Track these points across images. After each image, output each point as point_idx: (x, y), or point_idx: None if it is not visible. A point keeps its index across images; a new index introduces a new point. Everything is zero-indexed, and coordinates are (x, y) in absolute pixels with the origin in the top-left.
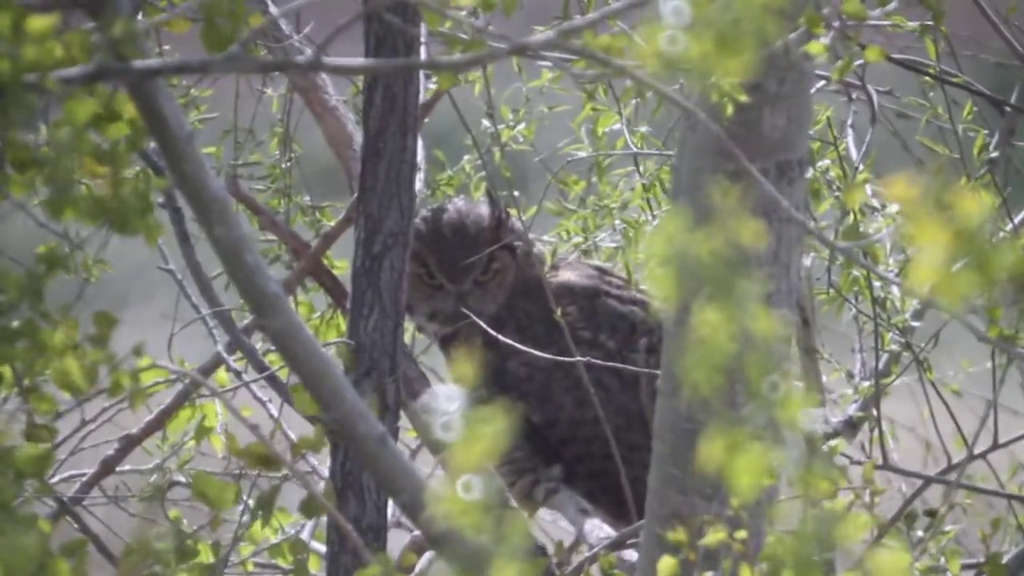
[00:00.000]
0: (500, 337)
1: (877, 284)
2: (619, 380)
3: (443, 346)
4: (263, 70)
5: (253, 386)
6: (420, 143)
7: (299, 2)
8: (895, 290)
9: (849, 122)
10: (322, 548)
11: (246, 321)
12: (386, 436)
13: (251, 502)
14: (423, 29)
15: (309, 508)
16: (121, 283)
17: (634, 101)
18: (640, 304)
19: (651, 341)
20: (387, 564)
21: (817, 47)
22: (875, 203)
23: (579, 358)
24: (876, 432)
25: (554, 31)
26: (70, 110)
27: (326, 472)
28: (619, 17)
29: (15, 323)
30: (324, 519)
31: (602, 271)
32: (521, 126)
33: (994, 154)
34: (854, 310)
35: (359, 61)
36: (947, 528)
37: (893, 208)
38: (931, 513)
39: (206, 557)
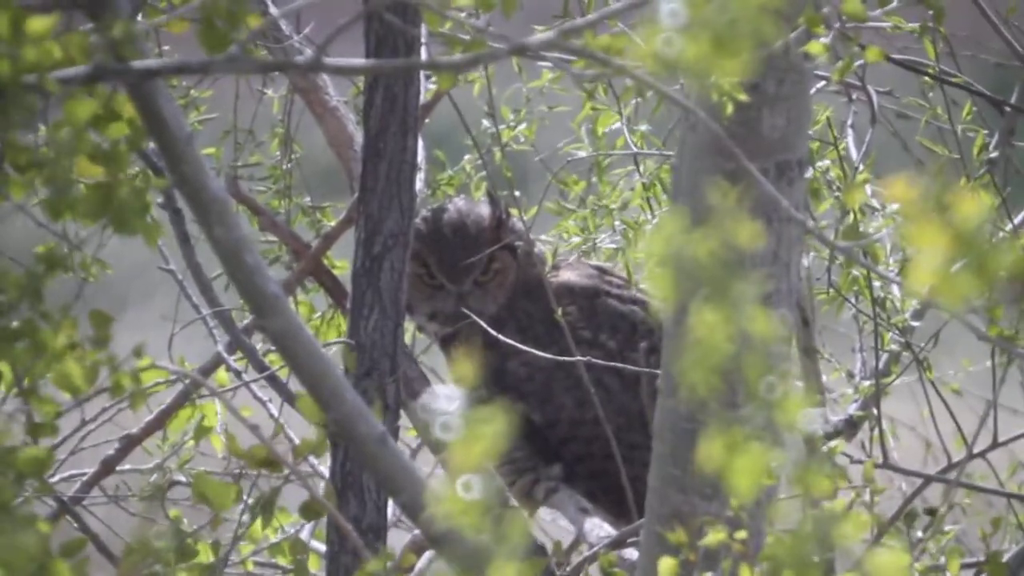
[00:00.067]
0: (500, 337)
1: (877, 284)
2: (619, 380)
3: (443, 346)
4: (263, 71)
5: (253, 386)
6: (420, 143)
7: (299, 2)
8: (895, 290)
9: (849, 122)
10: (322, 548)
11: (246, 321)
12: (386, 436)
13: (251, 502)
14: (423, 29)
15: (309, 510)
16: (121, 284)
17: (635, 101)
18: (640, 304)
19: (652, 341)
20: (389, 559)
21: (817, 47)
22: (875, 203)
23: (579, 358)
24: (876, 431)
25: (554, 31)
26: (70, 111)
27: (326, 472)
28: (619, 17)
29: (15, 323)
30: (324, 519)
31: (602, 271)
32: (522, 126)
33: (994, 154)
34: (854, 310)
35: (359, 62)
36: (947, 528)
37: (893, 208)
38: (931, 512)
39: (206, 556)
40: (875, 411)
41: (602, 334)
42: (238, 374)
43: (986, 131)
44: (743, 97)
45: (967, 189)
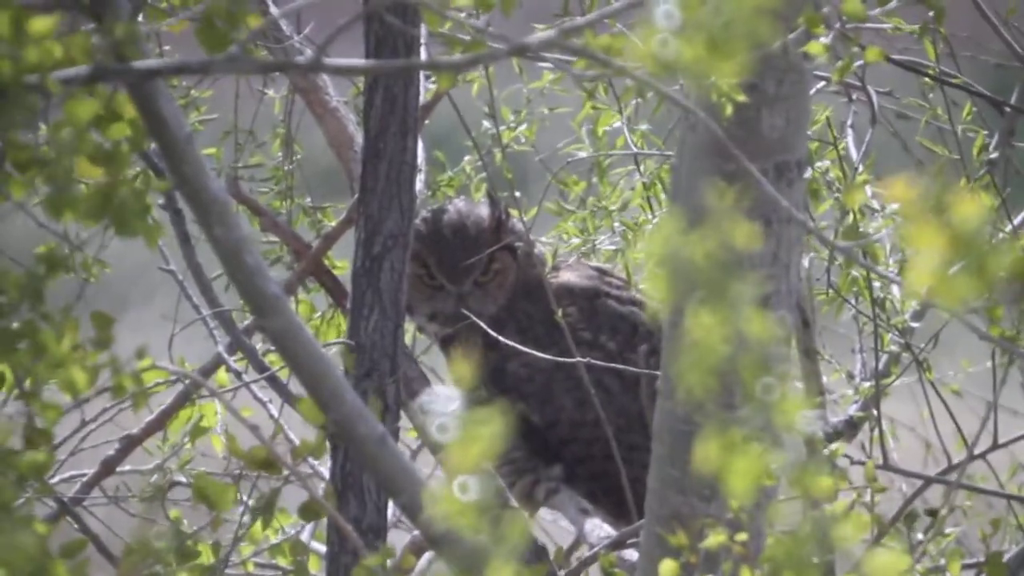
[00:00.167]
0: (500, 338)
1: (877, 284)
2: (619, 381)
3: (443, 347)
4: (263, 71)
5: (253, 387)
6: (420, 144)
7: (299, 3)
8: (895, 290)
9: (849, 123)
10: (323, 549)
11: (246, 322)
12: (386, 437)
13: (251, 503)
14: (423, 30)
15: (308, 511)
16: (122, 284)
17: (635, 101)
18: (640, 305)
19: (652, 343)
20: (388, 556)
21: (816, 48)
22: (875, 204)
23: (579, 359)
24: (876, 432)
25: (554, 31)
26: (71, 111)
27: (326, 473)
28: (618, 17)
29: (15, 324)
30: (325, 520)
31: (602, 272)
32: (522, 127)
33: (994, 155)
34: (854, 311)
35: (359, 62)
36: (948, 529)
37: (893, 208)
38: (932, 513)
39: (207, 557)
40: (875, 412)
41: (602, 335)
42: (238, 375)
43: (986, 132)
44: (742, 98)
45: (967, 190)
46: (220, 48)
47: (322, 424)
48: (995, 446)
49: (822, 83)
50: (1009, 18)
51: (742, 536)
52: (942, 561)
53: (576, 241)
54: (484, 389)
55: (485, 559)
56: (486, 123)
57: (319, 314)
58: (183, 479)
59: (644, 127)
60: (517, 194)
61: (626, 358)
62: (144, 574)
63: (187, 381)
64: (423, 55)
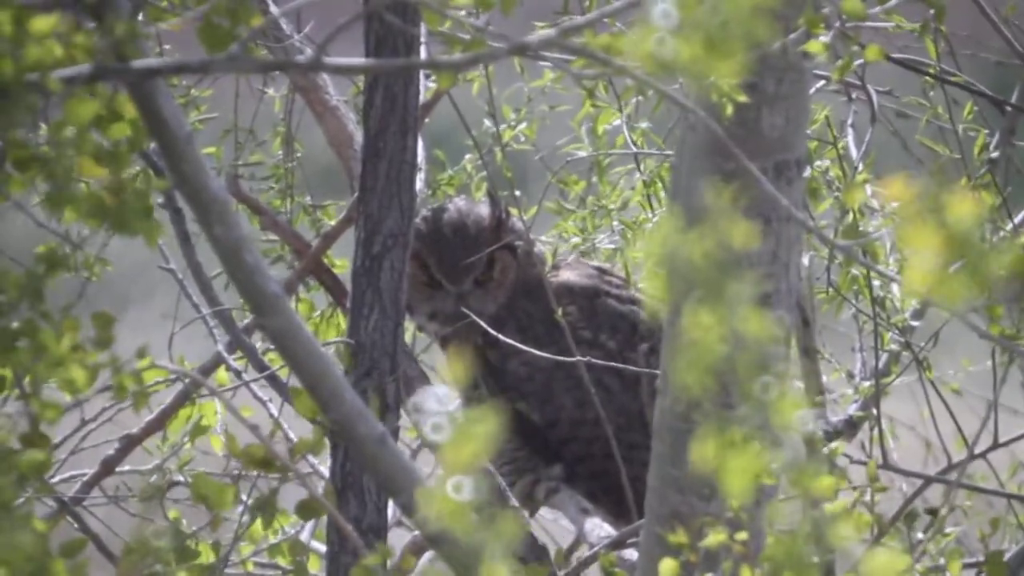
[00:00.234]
0: (500, 337)
1: (877, 283)
2: (619, 380)
3: (443, 346)
4: (263, 70)
5: (253, 386)
6: (421, 143)
7: (299, 2)
8: (895, 289)
9: (849, 121)
10: (322, 548)
11: (246, 321)
12: (386, 436)
13: (251, 502)
14: (423, 29)
15: (306, 509)
16: (122, 283)
17: (635, 99)
18: (640, 304)
19: (652, 342)
20: (387, 556)
21: (816, 47)
22: (874, 203)
23: (579, 358)
24: (876, 432)
25: (554, 30)
26: (71, 110)
27: (326, 472)
28: (618, 16)
29: (15, 324)
30: (324, 519)
31: (602, 271)
32: (522, 126)
33: (994, 154)
34: (854, 309)
35: (359, 61)
36: (948, 529)
37: (893, 207)
38: (932, 512)
39: (206, 557)
40: (875, 411)
41: (602, 334)
42: (238, 374)
43: (987, 131)
44: (742, 97)
45: (967, 189)
46: (221, 47)
47: (314, 417)
48: (995, 445)
49: (822, 82)
50: (1009, 17)
51: (742, 535)
52: (942, 560)
53: (576, 240)
54: (483, 388)
55: (480, 558)
56: (487, 122)
57: (319, 313)
58: (183, 479)
59: (644, 125)
60: (517, 193)
61: (626, 357)
62: (144, 574)
63: (187, 380)
64: (423, 54)
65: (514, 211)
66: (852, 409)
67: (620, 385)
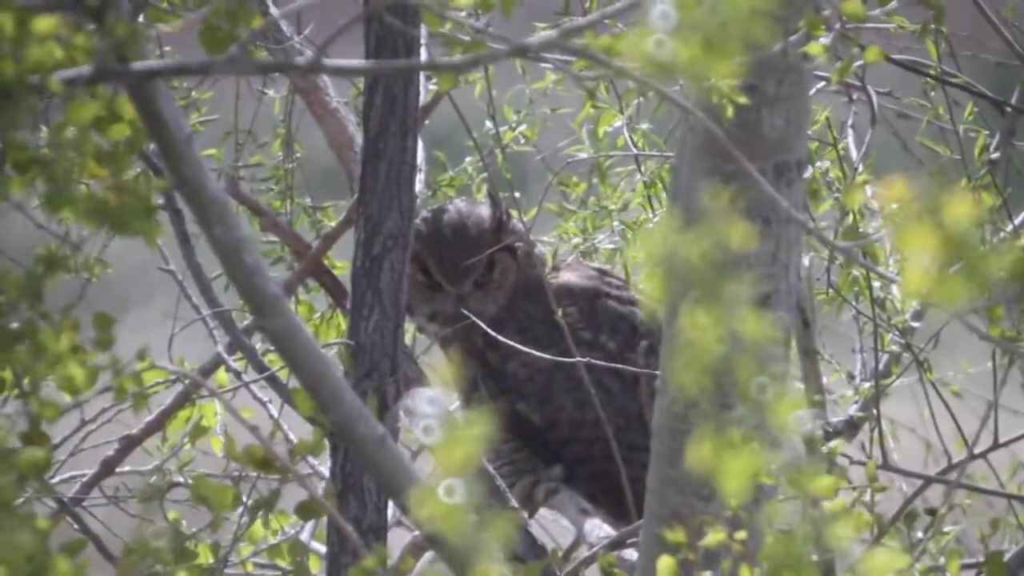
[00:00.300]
0: (500, 338)
1: (877, 284)
2: (619, 381)
3: (443, 347)
4: (263, 71)
5: (253, 387)
6: (421, 144)
7: (299, 3)
8: (895, 290)
9: (849, 122)
10: (322, 549)
11: (246, 322)
12: (386, 437)
13: (250, 503)
14: (423, 30)
15: (306, 510)
16: (122, 284)
17: (637, 100)
18: (640, 305)
19: (650, 342)
20: (385, 558)
21: (816, 48)
22: (875, 204)
23: (579, 359)
24: (876, 432)
25: (555, 32)
26: (72, 112)
27: (326, 473)
28: (619, 17)
29: (15, 324)
30: (324, 520)
31: (602, 272)
32: (523, 127)
33: (995, 155)
34: (854, 311)
35: (359, 62)
36: (947, 528)
37: (893, 208)
38: (931, 512)
39: (205, 558)
40: (875, 412)
41: (602, 335)
42: (238, 375)
43: (987, 131)
44: (742, 99)
45: (967, 190)
46: (220, 49)
47: (312, 416)
48: (995, 446)
49: (822, 83)
50: (1008, 18)
51: (741, 534)
52: (942, 560)
53: (577, 240)
54: (483, 389)
55: (474, 560)
56: (487, 123)
57: (319, 314)
58: (182, 480)
59: (645, 127)
60: (517, 195)
61: (626, 358)
62: (143, 574)
63: (187, 381)
64: (423, 56)
65: (514, 212)
66: (852, 410)
67: (620, 386)
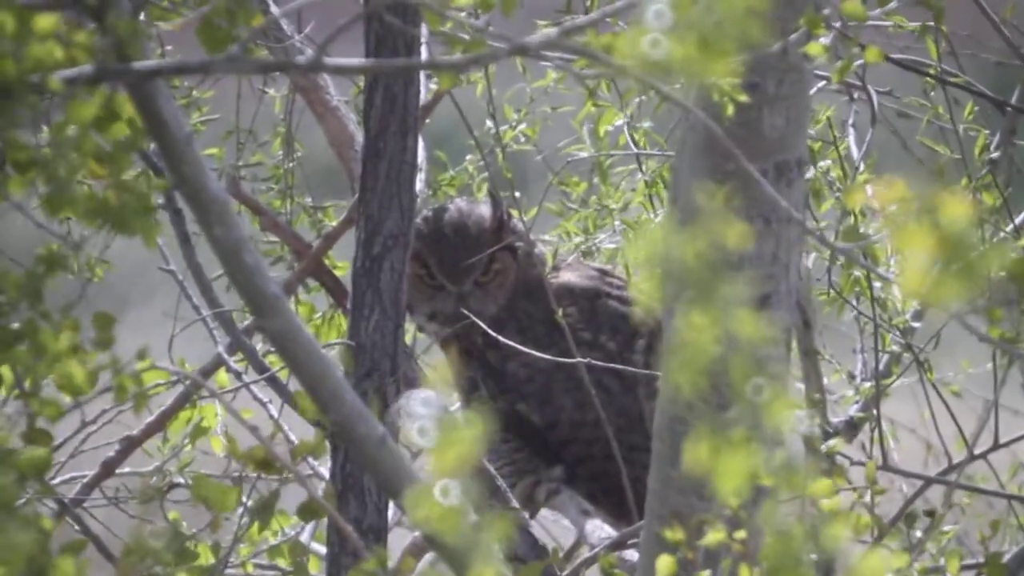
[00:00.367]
0: (500, 338)
1: (878, 285)
2: (620, 381)
3: (443, 347)
4: (263, 71)
5: (254, 387)
6: (421, 143)
7: (300, 2)
8: (896, 291)
9: (850, 122)
10: (323, 550)
11: (247, 322)
12: (386, 437)
13: (250, 504)
14: (424, 29)
15: (307, 511)
16: (122, 284)
17: (638, 99)
18: (636, 304)
19: (649, 340)
20: (384, 558)
21: (816, 48)
22: (875, 204)
23: (580, 359)
24: (876, 433)
25: (555, 31)
26: (72, 111)
27: (326, 473)
28: (621, 16)
29: (15, 324)
30: (325, 520)
31: (603, 272)
32: (523, 126)
33: (995, 154)
34: (855, 311)
35: (359, 61)
36: (947, 528)
37: (891, 208)
38: (931, 513)
39: (205, 558)
40: (876, 412)
41: (602, 335)
42: (238, 375)
43: (987, 131)
44: (743, 98)
45: (968, 189)
46: (221, 48)
47: (315, 418)
48: (996, 446)
49: (823, 83)
50: (1007, 18)
51: (740, 534)
52: (942, 561)
53: (578, 240)
54: (483, 389)
55: (471, 561)
56: (488, 122)
57: (319, 314)
58: (183, 480)
59: (647, 126)
60: (517, 194)
61: (626, 358)
62: (143, 575)
63: (187, 382)
64: (423, 55)
65: (515, 212)
66: (853, 410)
67: (620, 386)
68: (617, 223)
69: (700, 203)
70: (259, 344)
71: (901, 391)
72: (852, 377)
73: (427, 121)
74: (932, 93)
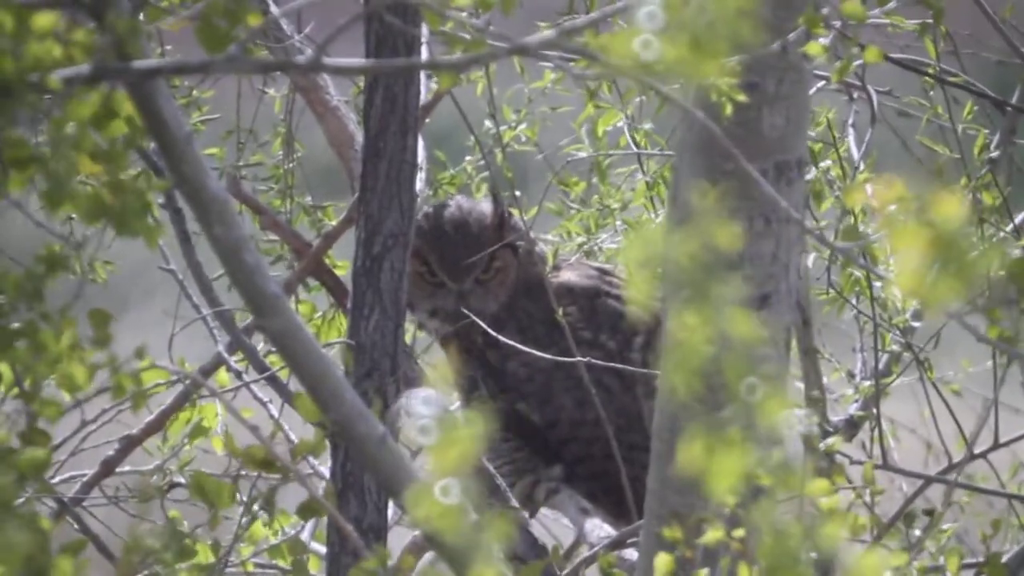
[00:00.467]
0: (500, 337)
1: (877, 284)
2: (619, 380)
3: (443, 345)
4: (263, 70)
5: (254, 386)
6: (421, 143)
7: (299, 2)
8: (895, 290)
9: (850, 121)
10: (322, 549)
11: (247, 321)
12: (387, 436)
13: (251, 502)
14: (424, 29)
15: (307, 510)
16: (122, 283)
17: (638, 99)
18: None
19: (646, 338)
20: (384, 557)
21: (816, 48)
22: (875, 203)
23: (579, 358)
24: (876, 432)
25: (555, 31)
26: (72, 109)
27: (327, 472)
28: (621, 16)
29: (15, 324)
30: (325, 519)
31: (603, 271)
32: (523, 126)
33: (995, 153)
34: (854, 310)
35: (359, 61)
36: (946, 527)
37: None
38: (929, 513)
39: (205, 557)
40: (875, 411)
41: (602, 334)
42: (239, 375)
43: (987, 130)
44: (742, 97)
45: (967, 189)
46: (220, 47)
47: (317, 420)
48: (996, 445)
49: (822, 83)
50: (1007, 18)
51: (739, 532)
52: (941, 560)
53: (579, 239)
54: (483, 388)
55: (471, 560)
56: (487, 122)
57: (320, 314)
58: (183, 480)
59: (647, 126)
60: (517, 193)
61: (626, 357)
62: (143, 574)
63: (187, 381)
64: (423, 54)
65: (515, 211)
66: (852, 409)
67: (620, 386)
68: (619, 223)
69: (697, 203)
70: (259, 343)
71: (901, 390)
72: (852, 376)
73: (427, 121)
74: (932, 93)
